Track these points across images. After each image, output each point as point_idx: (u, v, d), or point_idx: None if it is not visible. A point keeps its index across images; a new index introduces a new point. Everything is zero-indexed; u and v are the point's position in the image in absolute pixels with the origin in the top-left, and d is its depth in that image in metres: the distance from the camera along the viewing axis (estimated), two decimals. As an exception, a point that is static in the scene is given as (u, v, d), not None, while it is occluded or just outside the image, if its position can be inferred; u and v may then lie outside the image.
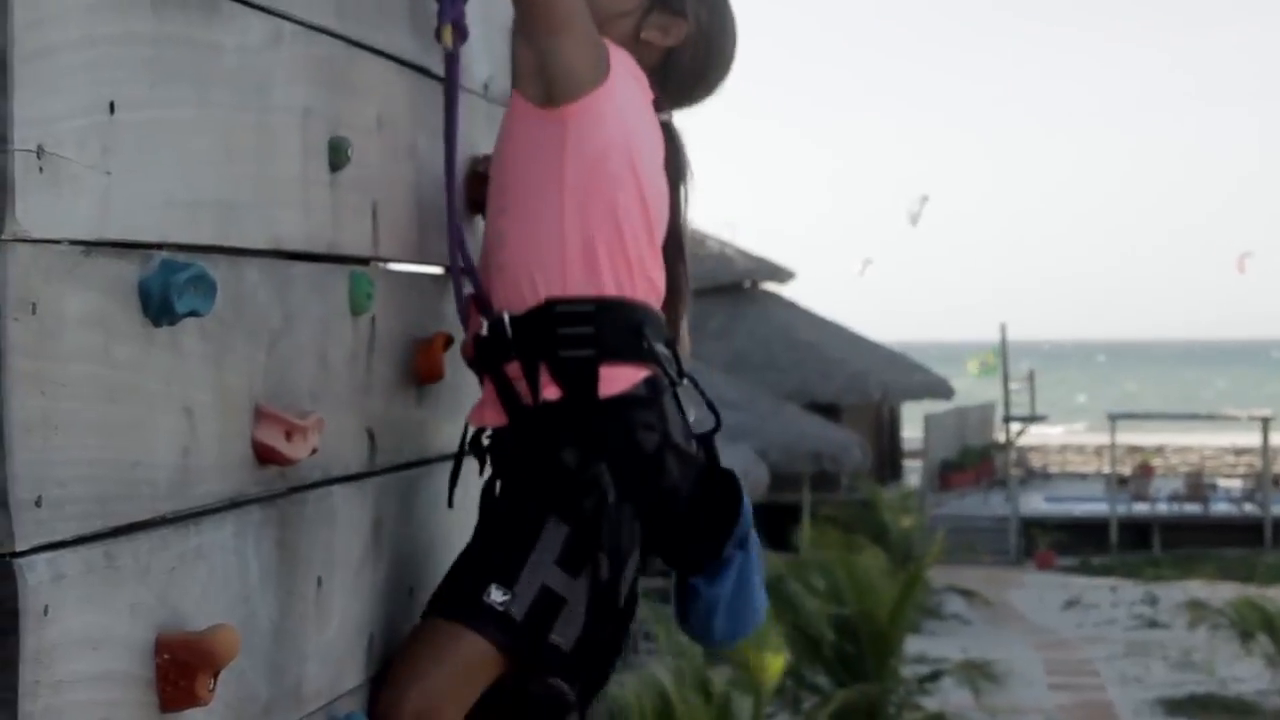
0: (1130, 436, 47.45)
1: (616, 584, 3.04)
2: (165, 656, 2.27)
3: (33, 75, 2.03)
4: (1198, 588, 29.30)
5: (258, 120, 2.55)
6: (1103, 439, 47.27)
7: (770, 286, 39.91)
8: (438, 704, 2.94)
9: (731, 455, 27.66)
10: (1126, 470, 42.48)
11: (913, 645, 21.58)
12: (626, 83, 3.14)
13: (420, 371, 3.15)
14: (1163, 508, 39.00)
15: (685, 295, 3.37)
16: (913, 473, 42.36)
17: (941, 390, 40.32)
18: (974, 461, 43.24)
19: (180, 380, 2.34)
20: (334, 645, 2.81)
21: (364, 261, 2.96)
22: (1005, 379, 40.32)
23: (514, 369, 3.07)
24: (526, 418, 3.06)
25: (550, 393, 3.03)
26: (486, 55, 3.46)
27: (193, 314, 2.30)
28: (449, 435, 3.28)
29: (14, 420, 2.01)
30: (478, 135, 3.39)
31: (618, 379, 3.05)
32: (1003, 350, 40.28)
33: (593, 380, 3.03)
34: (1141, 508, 38.90)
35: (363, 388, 2.92)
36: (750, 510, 3.25)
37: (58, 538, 2.09)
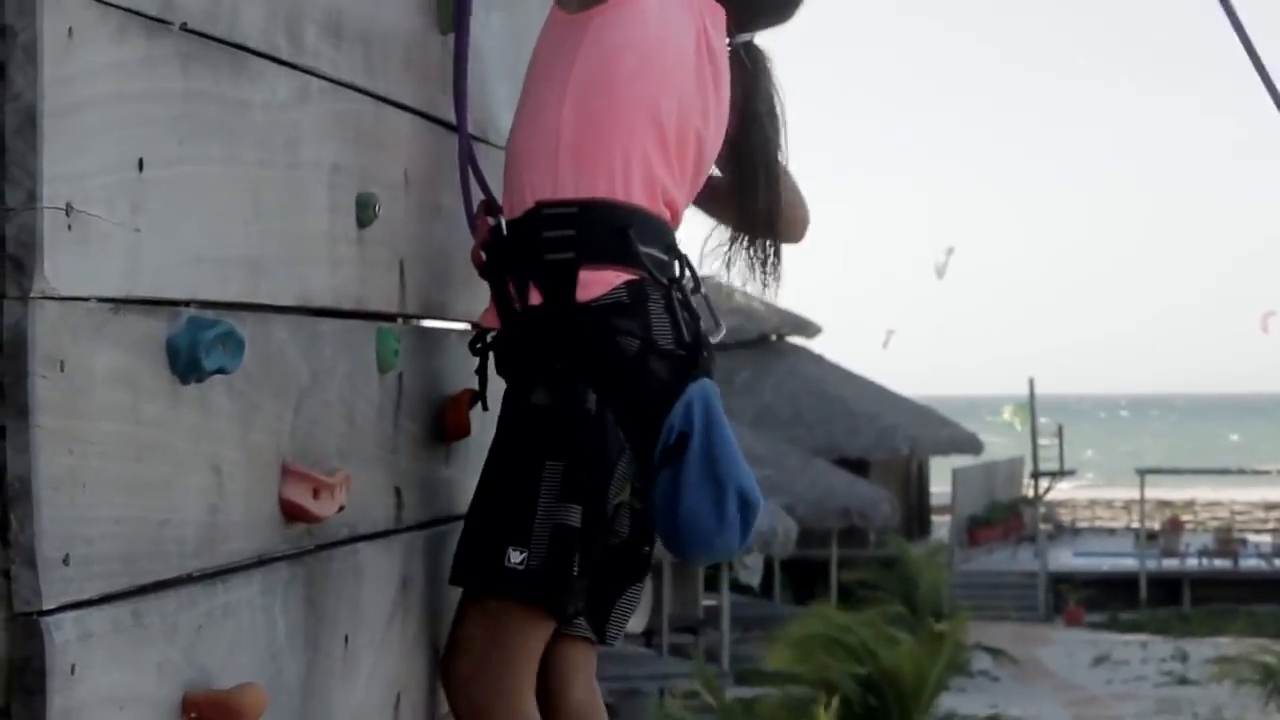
0: (1160, 491, 47.28)
1: (604, 493, 2.98)
2: (192, 715, 2.26)
3: (62, 132, 2.04)
4: (1228, 644, 29.13)
5: (286, 176, 2.55)
6: (1132, 493, 47.09)
7: (797, 341, 39.90)
8: (494, 682, 2.96)
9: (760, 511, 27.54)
10: (1156, 525, 42.31)
11: (942, 702, 21.47)
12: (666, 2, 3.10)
13: (447, 428, 3.14)
14: (1192, 563, 38.83)
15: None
16: (941, 528, 42.24)
17: (970, 445, 40.22)
18: (1002, 517, 43.08)
19: (208, 438, 2.33)
20: (362, 703, 2.80)
21: (391, 318, 2.96)
22: (1034, 433, 40.25)
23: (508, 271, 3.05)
24: (514, 323, 3.03)
25: (534, 298, 3.00)
26: (512, 111, 3.46)
27: (220, 371, 2.29)
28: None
29: (42, 478, 2.01)
30: (492, 183, 3.39)
31: (596, 282, 2.99)
32: (1031, 404, 40.22)
33: (571, 284, 2.98)
34: (1171, 563, 38.73)
35: (390, 445, 2.92)
36: (707, 425, 3.00)
37: (85, 596, 2.08)
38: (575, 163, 3.01)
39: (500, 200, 3.11)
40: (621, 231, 3.02)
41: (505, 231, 3.04)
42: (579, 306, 2.98)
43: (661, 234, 3.10)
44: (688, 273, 3.14)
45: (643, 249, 3.03)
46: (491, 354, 3.11)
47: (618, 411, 2.98)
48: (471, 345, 3.14)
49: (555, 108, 3.03)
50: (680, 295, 3.07)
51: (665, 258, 3.09)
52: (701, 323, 3.10)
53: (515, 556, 2.92)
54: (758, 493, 3.07)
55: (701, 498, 3.00)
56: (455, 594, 3.20)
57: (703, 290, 3.15)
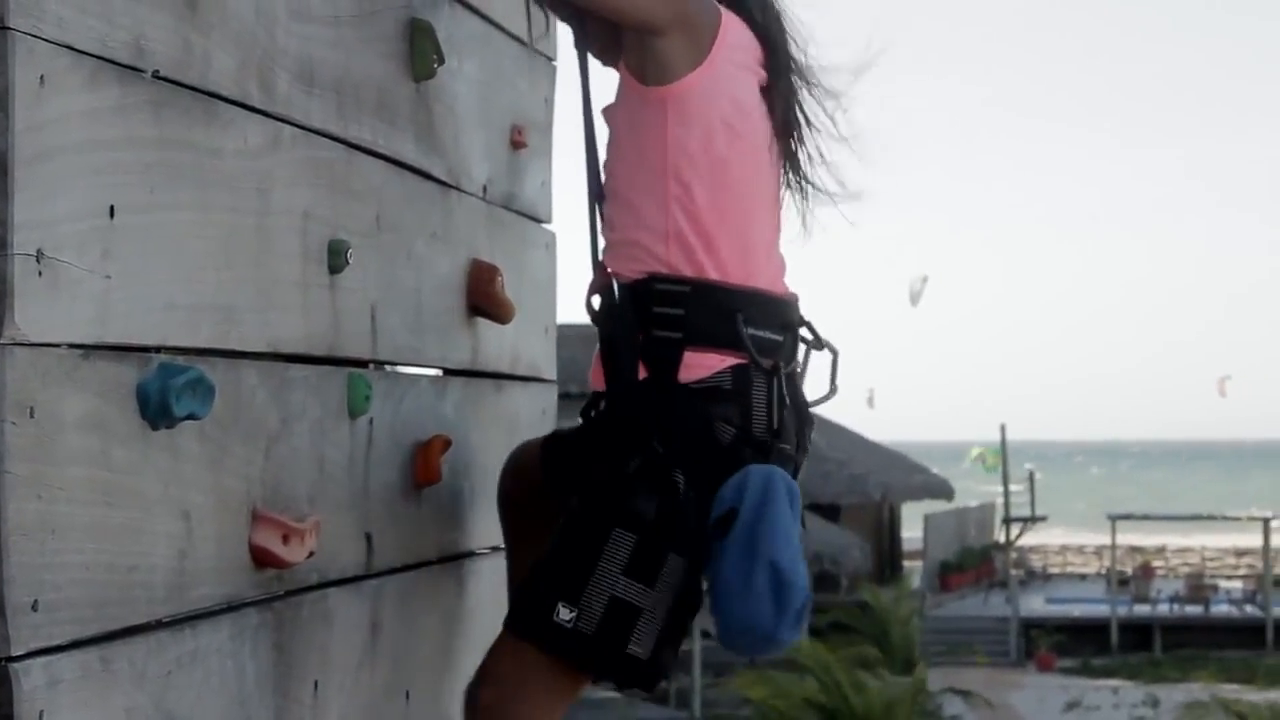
0: (1131, 537, 47.35)
1: (696, 579, 2.97)
2: (160, 762, 2.26)
3: (33, 179, 2.04)
4: (1200, 690, 29.13)
5: (257, 223, 2.56)
6: (1103, 539, 47.15)
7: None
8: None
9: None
10: (1127, 571, 42.36)
11: (913, 748, 21.43)
12: (732, 56, 3.06)
13: (418, 474, 3.15)
14: (1164, 609, 38.86)
15: None
16: (913, 573, 42.22)
17: (942, 490, 40.27)
18: (974, 562, 43.13)
19: (178, 483, 2.34)
20: (330, 750, 2.79)
21: (362, 364, 2.96)
22: (1005, 479, 40.28)
23: (614, 338, 3.05)
24: (620, 393, 3.03)
25: (641, 372, 3.01)
26: (486, 158, 3.48)
27: (191, 417, 2.30)
28: (447, 538, 3.28)
29: (11, 524, 2.01)
30: (477, 239, 3.40)
31: (699, 365, 2.99)
32: (1003, 450, 40.25)
33: (675, 364, 2.98)
34: (1142, 609, 38.76)
35: (360, 490, 2.92)
36: (760, 510, 2.92)
37: (54, 642, 2.08)
38: (688, 242, 3.01)
39: (609, 242, 3.10)
40: (730, 315, 3.00)
41: (617, 294, 3.05)
42: (680, 388, 2.97)
43: (777, 313, 3.07)
44: (802, 346, 3.11)
45: (752, 331, 3.00)
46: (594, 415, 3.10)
47: (702, 496, 2.95)
48: (584, 411, 3.13)
49: (660, 199, 3.02)
50: (785, 378, 3.04)
51: (779, 338, 3.05)
52: (808, 396, 3.09)
53: (564, 614, 2.91)
54: (803, 578, 2.95)
55: (735, 571, 2.92)
56: (426, 640, 3.20)
57: (828, 347, 3.13)
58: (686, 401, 2.96)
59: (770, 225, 3.13)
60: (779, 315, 3.07)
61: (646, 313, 3.00)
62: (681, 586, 2.94)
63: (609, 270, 3.08)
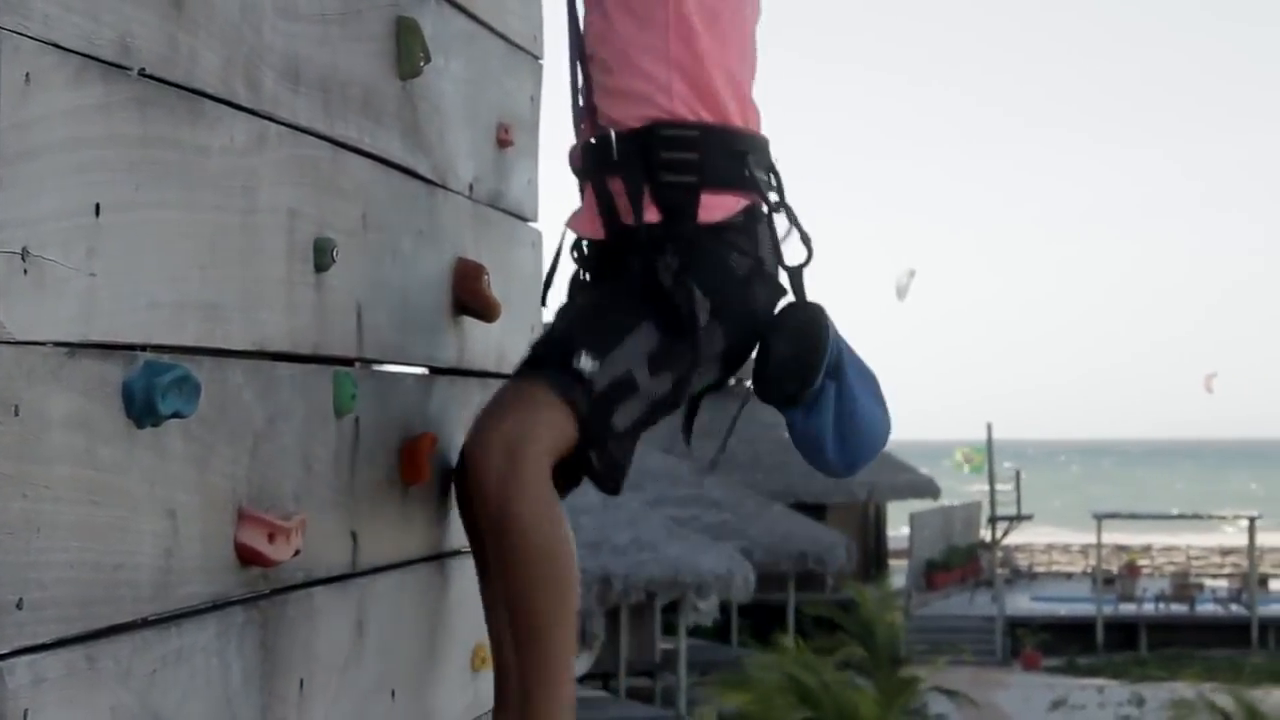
0: (1117, 536, 47.41)
1: (683, 392, 3.13)
2: (145, 760, 2.25)
3: (18, 177, 2.04)
4: (1185, 688, 29.19)
5: (243, 222, 2.56)
6: (1089, 538, 47.19)
7: (756, 385, 39.86)
8: (523, 444, 2.99)
9: (717, 554, 27.62)
10: (1113, 570, 42.42)
11: (899, 746, 21.45)
12: None
13: (404, 473, 3.14)
14: (1149, 608, 38.94)
15: None
16: (898, 572, 42.26)
17: (927, 489, 40.30)
18: (960, 561, 43.18)
19: (163, 482, 2.33)
20: (316, 748, 2.79)
21: (348, 362, 2.96)
22: (991, 478, 40.33)
23: (616, 185, 3.15)
24: (625, 235, 3.13)
25: (650, 215, 3.11)
26: (472, 157, 3.48)
27: (176, 415, 2.30)
28: (433, 536, 3.28)
29: (-5, 522, 2.00)
30: (463, 237, 3.40)
31: (718, 206, 3.13)
32: (989, 449, 40.30)
33: (694, 207, 3.11)
34: (1128, 608, 38.86)
35: (346, 489, 2.92)
36: (839, 337, 3.22)
37: (39, 640, 2.07)
38: (691, 88, 3.13)
39: (599, 105, 3.21)
40: (740, 156, 3.15)
41: (615, 143, 3.15)
42: (699, 228, 3.10)
43: (768, 155, 3.22)
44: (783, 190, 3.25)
45: (757, 173, 3.16)
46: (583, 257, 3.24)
47: (724, 326, 3.12)
48: (572, 251, 3.26)
49: (662, 31, 3.13)
50: (779, 218, 3.21)
51: (770, 179, 3.20)
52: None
53: (586, 362, 3.01)
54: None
55: (870, 403, 3.23)
56: (413, 638, 3.20)
57: (786, 206, 3.25)
58: (708, 239, 3.10)
59: (752, 71, 3.26)
60: (768, 157, 3.22)
61: (653, 158, 3.11)
62: (671, 395, 3.11)
63: (602, 121, 3.17)
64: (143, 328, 2.29)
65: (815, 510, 35.73)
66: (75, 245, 2.14)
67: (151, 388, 2.25)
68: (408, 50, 3.11)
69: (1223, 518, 46.64)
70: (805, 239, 3.25)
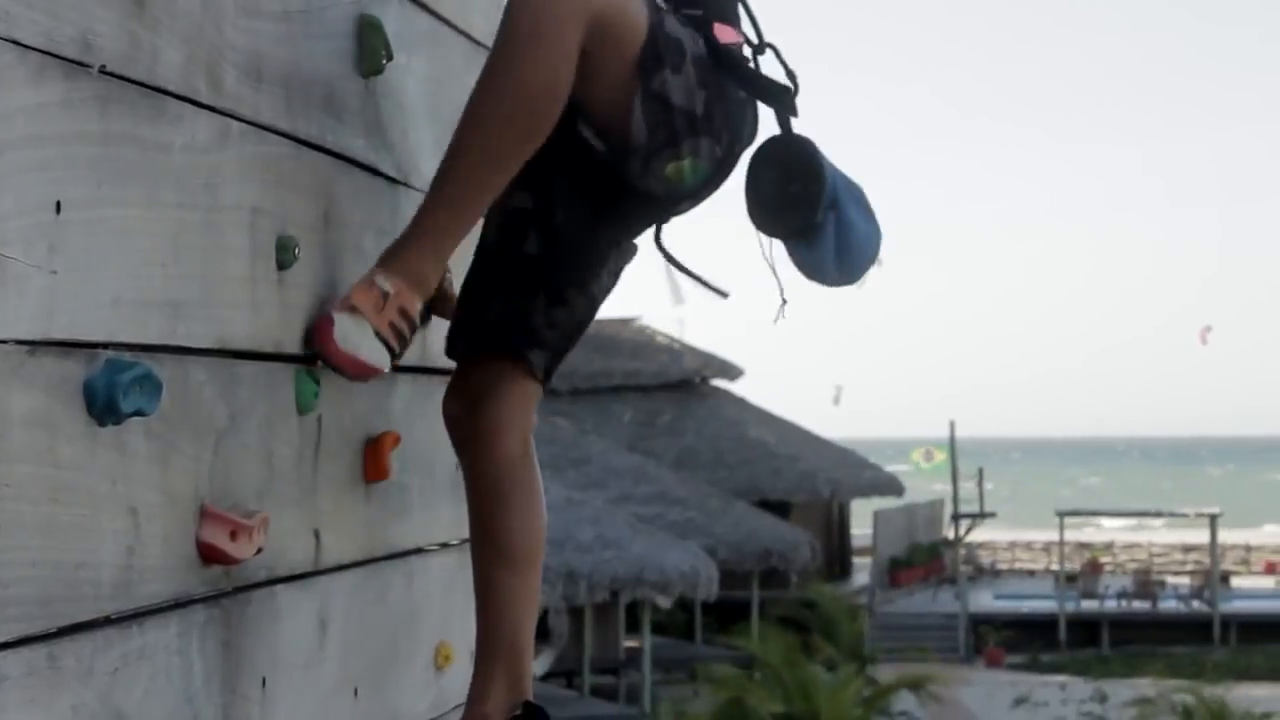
0: (1079, 533, 47.56)
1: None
2: (107, 759, 2.25)
3: (-21, 175, 2.03)
4: (1147, 685, 29.30)
5: (205, 219, 2.55)
6: (1051, 536, 47.33)
7: (720, 383, 39.96)
8: (502, 427, 3.06)
9: (680, 552, 27.62)
10: (1075, 567, 42.55)
11: (863, 743, 21.50)
12: None
13: (367, 471, 3.14)
14: (1111, 605, 39.07)
15: None
16: (862, 570, 42.35)
17: (891, 487, 40.40)
18: (923, 559, 43.28)
19: (125, 480, 2.33)
20: (278, 747, 2.79)
21: (311, 361, 2.96)
22: (954, 476, 40.43)
23: None
24: None
25: None
26: (435, 155, 3.47)
27: (138, 414, 2.29)
28: (396, 534, 3.27)
29: (-44, 521, 2.00)
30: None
31: (725, 35, 3.12)
32: (952, 447, 40.39)
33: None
34: (1090, 605, 38.98)
35: (309, 487, 2.92)
36: (832, 169, 3.21)
37: (0, 640, 2.07)
38: None
39: None
40: None
41: None
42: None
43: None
44: None
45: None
46: None
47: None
48: None
49: None
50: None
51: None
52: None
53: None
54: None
55: (864, 219, 3.21)
56: (375, 636, 3.19)
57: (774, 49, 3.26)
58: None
59: None
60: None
61: None
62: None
63: None
64: (104, 325, 2.28)
65: (779, 508, 35.77)
66: (36, 243, 2.13)
67: (113, 386, 2.25)
68: (370, 48, 3.11)
69: (1185, 515, 46.78)
70: (790, 74, 3.22)
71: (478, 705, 3.09)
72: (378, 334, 2.85)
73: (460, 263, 3.49)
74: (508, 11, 2.93)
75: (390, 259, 2.93)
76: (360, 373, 2.86)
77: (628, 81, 2.98)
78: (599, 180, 3.08)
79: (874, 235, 3.26)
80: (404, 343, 2.91)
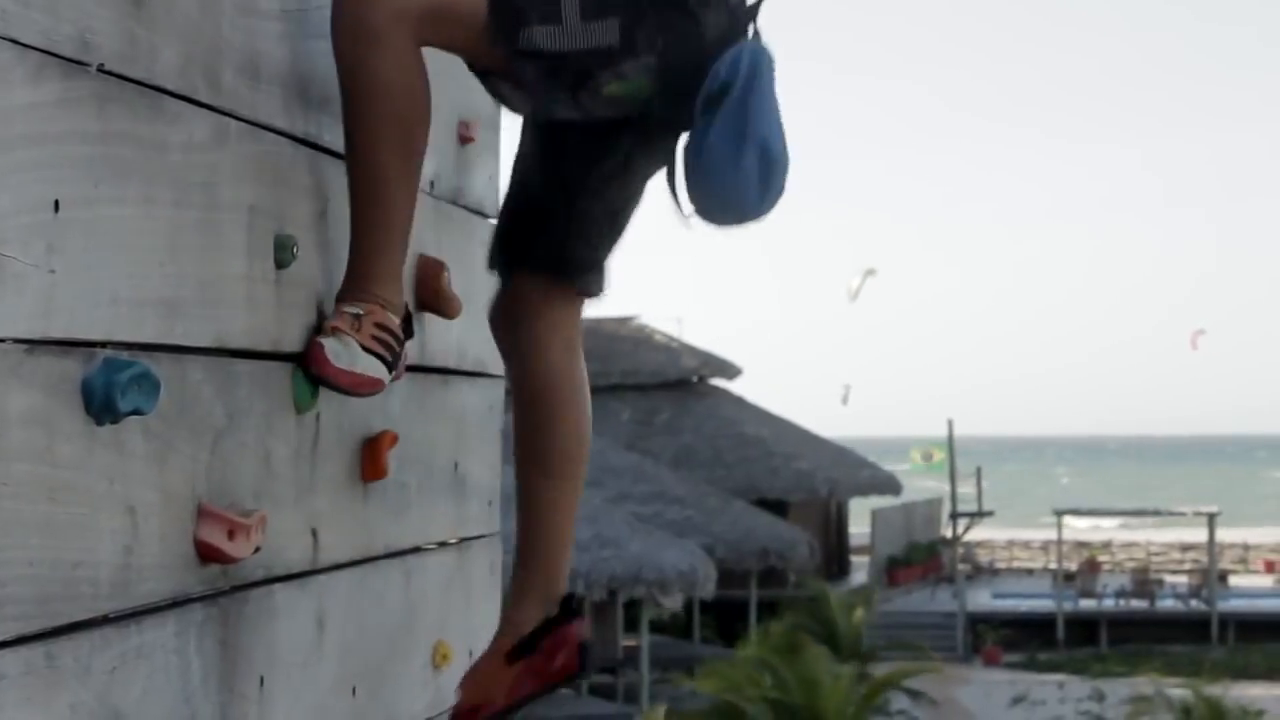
0: (1077, 532, 47.57)
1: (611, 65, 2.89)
2: (105, 758, 2.25)
3: (-23, 173, 2.03)
4: (1144, 684, 29.31)
5: (203, 218, 2.55)
6: (1049, 535, 47.33)
7: (718, 382, 39.97)
8: (542, 340, 3.09)
9: (679, 551, 27.58)
10: (1073, 566, 42.56)
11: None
12: None
13: (365, 470, 3.14)
14: (1109, 604, 39.08)
15: None
16: (860, 569, 42.36)
17: (889, 486, 40.38)
18: (921, 557, 43.28)
19: (123, 479, 2.33)
20: (276, 745, 2.79)
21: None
22: (953, 475, 40.43)
23: None
24: None
25: None
26: (433, 154, 3.47)
27: (136, 412, 2.29)
28: (394, 533, 3.27)
29: (-46, 519, 2.00)
30: (424, 234, 3.40)
31: None
32: (950, 446, 40.39)
33: None
34: (1088, 604, 38.99)
35: (306, 486, 2.92)
36: (752, 74, 2.91)
37: (-3, 638, 2.07)
38: None
39: None
40: None
41: None
42: None
43: None
44: None
45: None
46: None
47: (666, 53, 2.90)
48: None
49: None
50: None
51: None
52: None
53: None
54: (786, 153, 2.96)
55: (725, 148, 2.91)
56: (373, 635, 3.19)
57: None
58: None
59: None
60: None
61: None
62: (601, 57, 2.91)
63: None
64: (102, 324, 2.28)
65: (777, 507, 35.77)
66: (34, 241, 2.13)
67: (111, 384, 2.24)
68: (368, 47, 3.10)
69: (1183, 514, 46.78)
70: None
71: (511, 611, 3.16)
72: (365, 349, 2.85)
73: (460, 263, 3.49)
74: (332, 36, 2.87)
75: (345, 294, 2.91)
76: (360, 386, 2.86)
77: (495, 49, 2.92)
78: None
79: (736, 172, 2.94)
80: (394, 354, 2.91)
